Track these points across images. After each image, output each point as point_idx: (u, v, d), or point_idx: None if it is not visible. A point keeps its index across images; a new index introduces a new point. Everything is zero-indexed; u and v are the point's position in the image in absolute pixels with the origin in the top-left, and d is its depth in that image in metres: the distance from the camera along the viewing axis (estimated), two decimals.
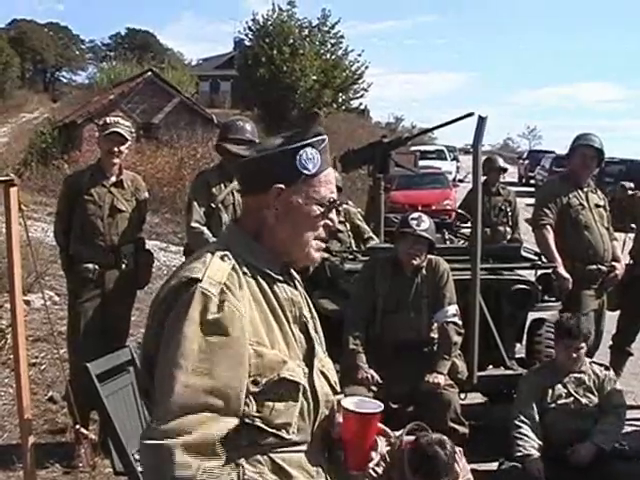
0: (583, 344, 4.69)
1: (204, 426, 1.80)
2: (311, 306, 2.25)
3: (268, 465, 1.93)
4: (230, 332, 1.87)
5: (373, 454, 2.10)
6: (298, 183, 2.03)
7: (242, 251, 2.02)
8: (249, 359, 1.90)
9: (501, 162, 9.41)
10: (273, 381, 1.91)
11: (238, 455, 1.89)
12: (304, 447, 2.00)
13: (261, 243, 2.05)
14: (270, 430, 1.92)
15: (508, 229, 9.15)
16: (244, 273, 1.98)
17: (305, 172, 2.03)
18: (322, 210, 2.06)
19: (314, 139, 2.05)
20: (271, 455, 1.93)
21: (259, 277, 2.01)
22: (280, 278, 2.07)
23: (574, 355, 4.68)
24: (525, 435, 4.54)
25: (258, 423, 1.90)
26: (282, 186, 2.01)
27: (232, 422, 1.85)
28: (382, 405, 2.11)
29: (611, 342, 6.48)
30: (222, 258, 1.97)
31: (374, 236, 6.66)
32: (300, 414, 1.98)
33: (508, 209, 9.12)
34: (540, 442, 4.54)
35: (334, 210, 2.11)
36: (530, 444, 4.50)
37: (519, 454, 4.48)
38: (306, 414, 2.00)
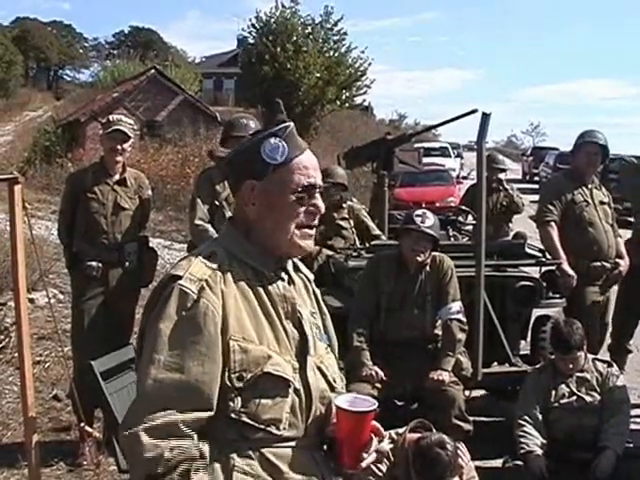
0: (579, 352, 4.67)
1: (170, 413, 1.85)
2: (321, 303, 2.27)
3: (259, 461, 1.93)
4: (203, 328, 1.90)
5: (365, 454, 2.09)
6: (269, 175, 2.03)
7: (234, 248, 2.05)
8: (234, 355, 1.92)
9: (501, 162, 9.31)
10: (257, 376, 1.93)
11: (228, 450, 1.92)
12: (296, 443, 2.00)
13: (251, 239, 2.08)
14: (258, 426, 1.93)
15: (511, 225, 9.14)
16: (233, 270, 2.00)
17: (273, 162, 2.03)
18: (299, 197, 2.05)
19: (275, 128, 2.06)
20: (262, 450, 1.94)
21: (249, 274, 2.04)
22: (272, 275, 2.09)
23: (570, 365, 4.68)
24: (528, 433, 4.53)
25: (245, 419, 1.92)
26: (254, 181, 2.04)
27: (204, 415, 1.89)
28: (376, 403, 2.10)
29: (608, 341, 6.45)
30: (210, 255, 2.01)
31: (381, 233, 6.65)
32: (291, 410, 1.99)
33: (510, 204, 9.08)
34: (543, 440, 4.54)
35: (318, 195, 2.10)
36: (533, 442, 4.49)
37: (522, 451, 4.48)
38: (298, 410, 2.01)
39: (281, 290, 2.08)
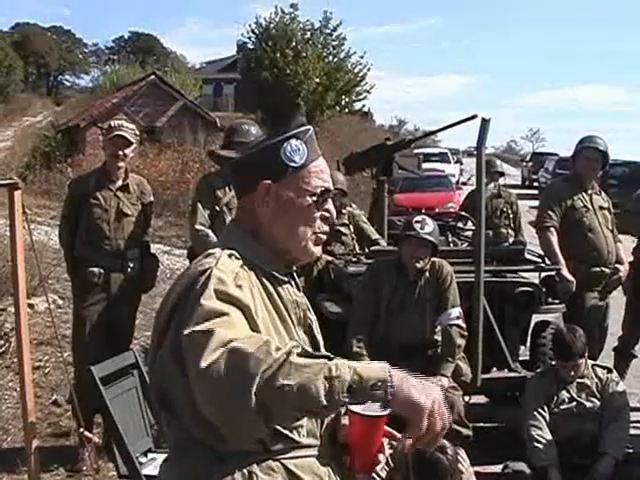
0: (580, 360, 4.68)
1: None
2: (310, 308, 2.21)
3: (281, 472, 1.88)
4: (252, 312, 1.80)
5: (380, 457, 2.06)
6: (287, 177, 1.99)
7: (245, 251, 1.97)
8: None
9: (499, 166, 9.38)
10: None
11: (249, 462, 1.85)
12: (314, 451, 1.97)
13: (260, 243, 2.01)
14: (283, 431, 1.86)
15: (510, 231, 9.14)
16: (251, 272, 1.93)
17: (292, 164, 1.99)
18: (315, 200, 2.01)
19: (297, 130, 2.01)
20: (283, 462, 1.88)
21: (264, 278, 1.97)
22: (285, 279, 2.04)
23: (572, 372, 4.69)
24: (542, 438, 4.52)
25: None
26: (270, 182, 1.98)
27: None
28: (389, 408, 2.09)
29: (616, 344, 6.46)
30: (229, 256, 1.92)
31: (380, 237, 6.64)
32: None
33: (509, 211, 9.11)
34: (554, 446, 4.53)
35: (330, 200, 2.06)
36: (551, 454, 4.47)
37: (543, 463, 4.46)
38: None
39: (293, 296, 2.04)
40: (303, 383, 1.59)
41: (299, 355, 1.63)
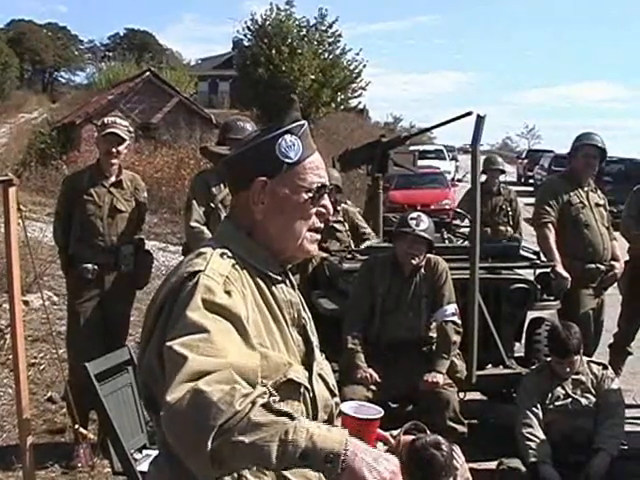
0: (576, 357, 4.68)
1: (223, 371, 1.66)
2: (306, 307, 2.18)
3: (271, 475, 1.85)
4: (241, 320, 1.77)
5: None
6: (282, 173, 1.96)
7: (238, 250, 1.95)
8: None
9: (500, 163, 9.39)
10: (280, 383, 1.83)
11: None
12: None
13: (255, 240, 1.98)
14: None
15: (509, 229, 9.15)
16: (243, 271, 1.90)
17: (287, 160, 1.95)
18: (311, 196, 1.98)
19: (292, 125, 1.98)
20: None
21: (257, 277, 1.94)
22: (279, 278, 2.01)
23: (567, 369, 4.69)
24: (535, 437, 4.51)
25: None
26: (264, 178, 1.95)
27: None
28: (382, 411, 2.07)
29: (611, 341, 6.48)
30: (221, 255, 1.89)
31: (372, 233, 6.64)
32: None
33: (509, 209, 9.13)
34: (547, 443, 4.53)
35: (326, 196, 2.04)
36: (544, 450, 4.46)
37: (533, 459, 4.46)
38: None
39: (287, 295, 2.01)
40: (257, 443, 1.58)
41: (262, 406, 1.62)
